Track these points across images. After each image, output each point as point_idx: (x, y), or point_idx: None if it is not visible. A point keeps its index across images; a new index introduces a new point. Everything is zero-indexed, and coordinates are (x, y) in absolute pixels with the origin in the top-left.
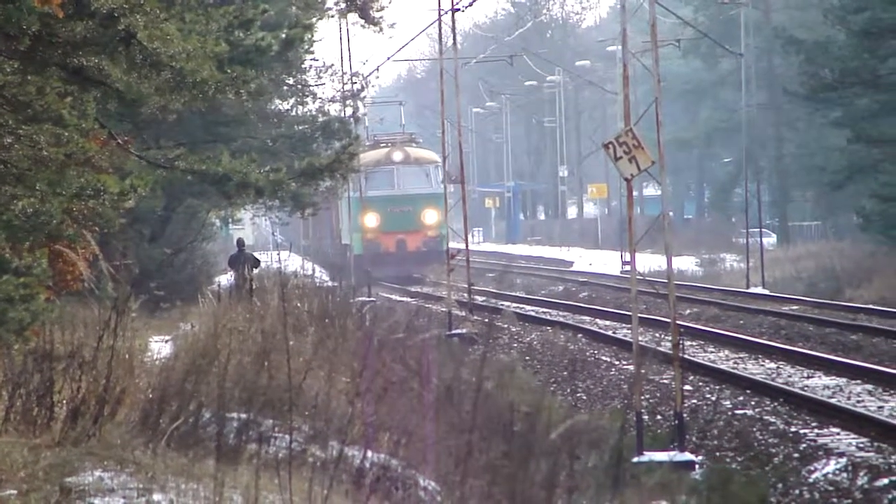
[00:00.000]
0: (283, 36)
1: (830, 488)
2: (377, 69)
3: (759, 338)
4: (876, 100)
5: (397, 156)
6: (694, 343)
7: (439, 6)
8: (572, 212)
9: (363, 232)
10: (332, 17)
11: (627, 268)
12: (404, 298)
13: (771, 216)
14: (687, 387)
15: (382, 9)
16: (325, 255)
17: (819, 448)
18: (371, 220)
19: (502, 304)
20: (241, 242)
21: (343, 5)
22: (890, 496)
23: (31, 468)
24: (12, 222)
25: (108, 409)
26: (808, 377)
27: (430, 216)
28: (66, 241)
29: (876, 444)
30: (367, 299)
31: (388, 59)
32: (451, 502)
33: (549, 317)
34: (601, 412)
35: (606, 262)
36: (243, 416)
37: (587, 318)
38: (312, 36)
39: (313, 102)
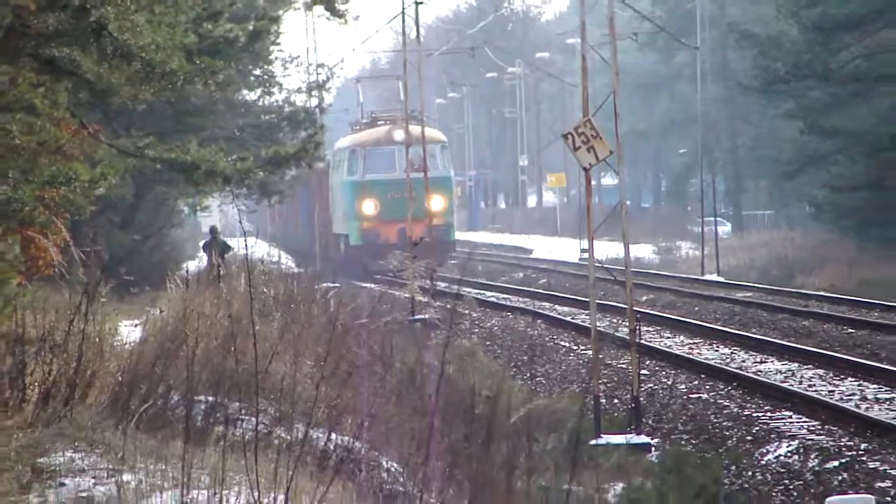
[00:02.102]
0: (251, 28)
1: (782, 470)
2: (342, 61)
3: (714, 324)
4: (827, 92)
5: (398, 135)
6: (650, 329)
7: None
8: (532, 201)
9: (361, 220)
10: (298, 9)
11: (586, 255)
12: (368, 284)
13: (725, 205)
14: (643, 371)
15: (347, 1)
16: (291, 241)
17: (771, 431)
18: (370, 207)
19: (464, 291)
20: (213, 230)
21: None
22: (840, 478)
23: (2, 449)
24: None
25: (79, 392)
26: (761, 362)
27: (437, 202)
28: (37, 227)
29: (826, 427)
30: (332, 285)
31: (353, 50)
32: (413, 484)
33: (509, 303)
34: (560, 396)
35: (565, 249)
36: (211, 398)
37: (546, 304)
38: (279, 28)
39: (279, 93)
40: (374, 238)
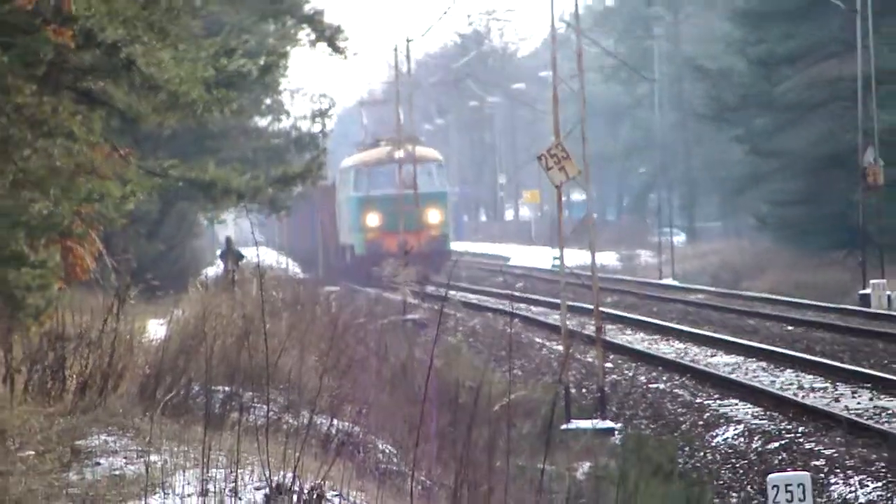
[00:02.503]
0: (262, 63)
1: (729, 451)
2: (341, 92)
3: (670, 322)
4: (770, 119)
5: (398, 153)
6: (614, 327)
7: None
8: (509, 214)
9: (365, 232)
10: (304, 46)
11: (557, 262)
12: (368, 289)
13: (680, 218)
14: (608, 364)
15: (346, 39)
16: (297, 250)
17: (720, 416)
18: (373, 219)
19: (450, 294)
20: (228, 240)
21: (313, 36)
22: (780, 457)
23: (46, 433)
24: (30, 223)
25: (112, 383)
26: (712, 356)
27: (434, 216)
28: (75, 238)
29: (769, 413)
30: (333, 288)
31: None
32: (405, 463)
33: (490, 304)
34: (534, 386)
35: (539, 257)
36: (227, 389)
37: (522, 306)
38: (286, 62)
39: (287, 119)
40: (377, 248)
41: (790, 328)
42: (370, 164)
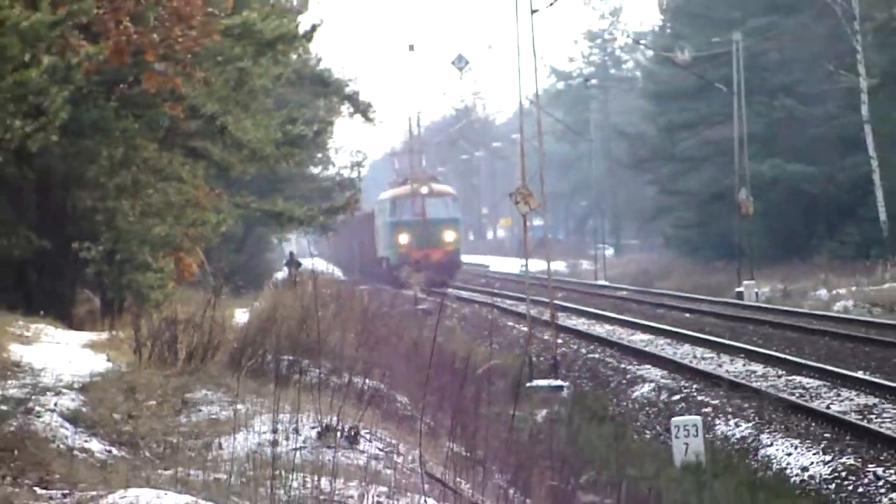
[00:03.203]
0: (315, 129)
1: (644, 401)
2: (372, 147)
3: (602, 311)
4: (673, 168)
5: (423, 189)
6: (563, 314)
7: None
8: (490, 235)
9: (397, 248)
10: (345, 116)
11: (523, 269)
12: (387, 287)
13: (609, 237)
14: (559, 341)
15: (375, 112)
16: (341, 260)
17: (638, 377)
18: (404, 238)
19: (448, 290)
20: (291, 254)
21: (352, 110)
22: (680, 406)
23: (163, 388)
24: (153, 241)
25: (210, 353)
26: (632, 335)
27: (449, 235)
28: (184, 252)
29: (672, 375)
30: (365, 287)
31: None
32: (416, 411)
33: (476, 298)
34: (507, 356)
35: (510, 265)
36: (290, 357)
37: (499, 300)
38: (332, 128)
39: (332, 168)
40: (406, 259)
41: (687, 315)
42: (400, 197)
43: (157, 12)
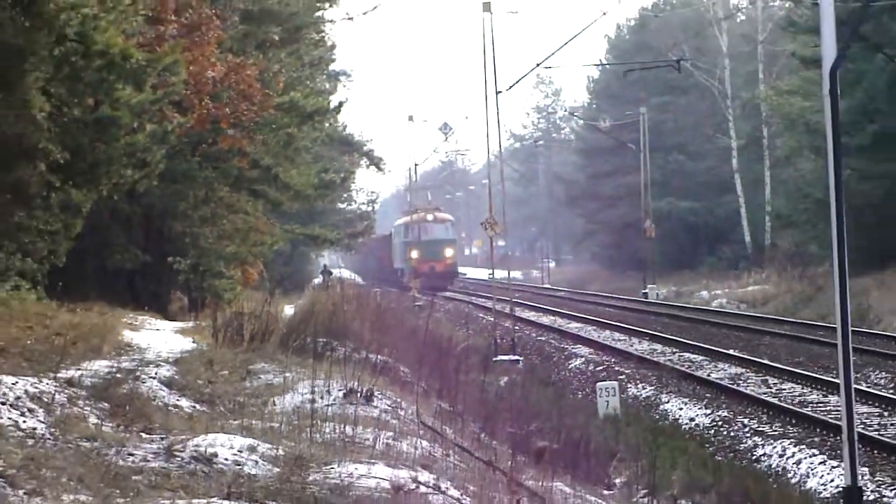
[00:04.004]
0: (342, 176)
1: (577, 371)
2: (384, 186)
3: (548, 306)
4: (596, 205)
5: (429, 217)
6: (519, 308)
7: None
8: (468, 251)
9: (410, 261)
10: (363, 167)
11: (491, 276)
12: (392, 289)
13: (552, 254)
14: (516, 327)
15: (384, 164)
16: (363, 271)
17: (573, 354)
18: (415, 253)
19: (446, 293)
20: (325, 266)
21: (367, 162)
22: (603, 374)
23: (233, 362)
24: (226, 257)
25: (266, 337)
26: (569, 323)
27: (448, 252)
28: (248, 264)
29: (597, 352)
30: (377, 290)
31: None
32: (414, 378)
33: (456, 297)
34: (478, 337)
35: (481, 274)
36: (324, 340)
37: (474, 298)
38: (354, 175)
39: (354, 204)
40: (416, 270)
41: (608, 309)
42: (413, 222)
43: (229, 93)
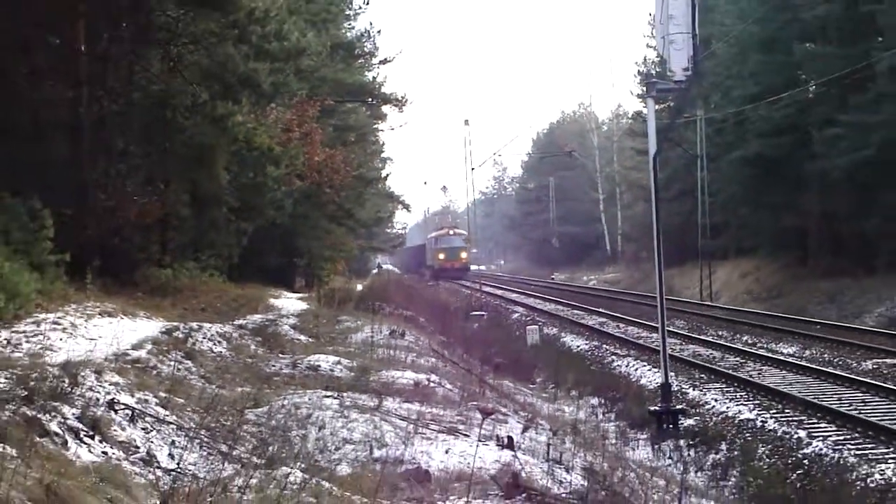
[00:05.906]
0: (388, 214)
1: (517, 319)
2: (407, 219)
3: (500, 285)
4: (524, 229)
5: (451, 232)
6: (486, 287)
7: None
8: None
9: (437, 260)
10: (400, 209)
11: (469, 270)
12: (421, 278)
13: (502, 256)
14: (483, 297)
15: (411, 207)
16: (403, 267)
17: (514, 311)
18: (441, 255)
19: (461, 281)
20: (379, 264)
21: (401, 206)
22: (529, 321)
23: (329, 316)
24: (326, 258)
25: (347, 302)
26: (510, 293)
27: (463, 255)
28: (338, 261)
29: (527, 309)
30: (409, 277)
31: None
32: (431, 326)
33: (454, 284)
34: (462, 302)
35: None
36: (378, 303)
37: (460, 281)
38: (394, 214)
39: (394, 230)
40: (441, 266)
41: (532, 286)
42: (440, 235)
43: (326, 169)
